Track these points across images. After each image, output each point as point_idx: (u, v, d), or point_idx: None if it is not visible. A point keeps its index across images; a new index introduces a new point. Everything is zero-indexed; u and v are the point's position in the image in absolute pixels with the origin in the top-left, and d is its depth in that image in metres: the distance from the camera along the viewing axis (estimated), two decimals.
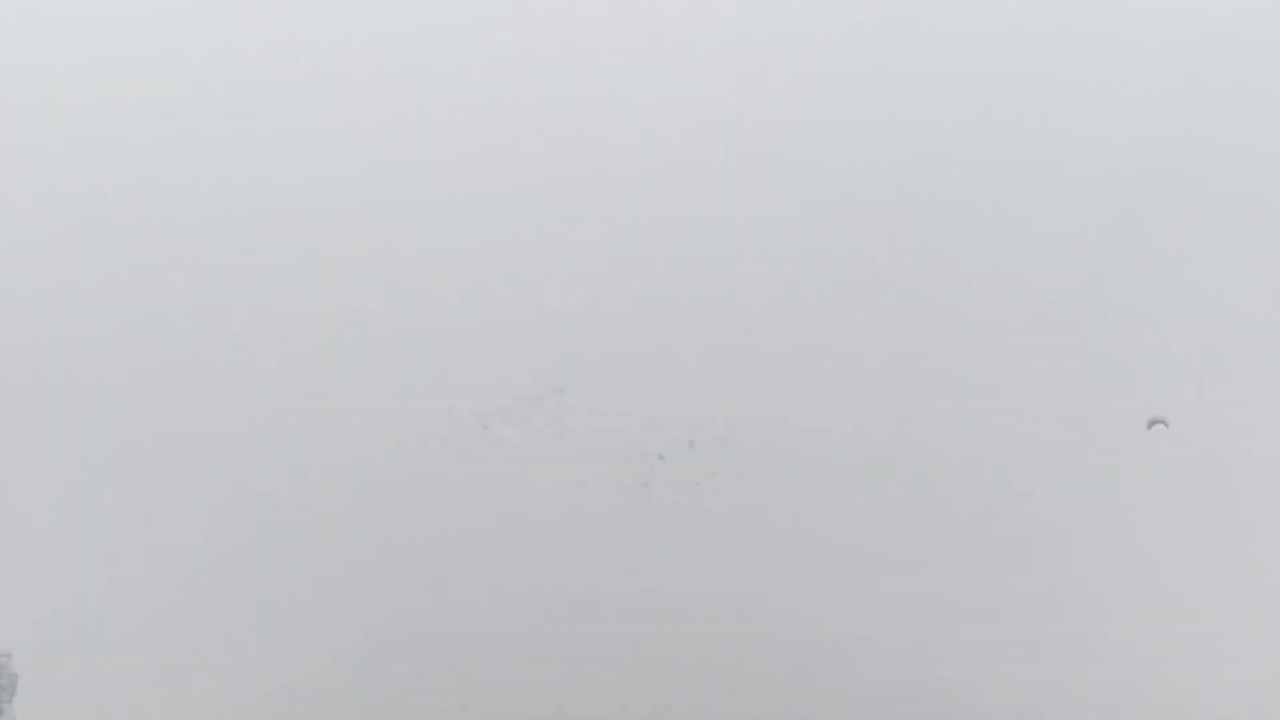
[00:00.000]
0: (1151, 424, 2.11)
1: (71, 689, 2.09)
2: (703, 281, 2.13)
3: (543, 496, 2.13)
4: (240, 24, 2.08)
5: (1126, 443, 2.16)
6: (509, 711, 2.15)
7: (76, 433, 2.11)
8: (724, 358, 2.14)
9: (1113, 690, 2.21)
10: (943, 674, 2.20)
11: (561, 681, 2.14)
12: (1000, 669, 2.20)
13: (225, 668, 2.12)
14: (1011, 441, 2.17)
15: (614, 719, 2.16)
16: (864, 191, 2.13)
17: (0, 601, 2.09)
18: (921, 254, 2.14)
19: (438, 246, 2.12)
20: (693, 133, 2.11)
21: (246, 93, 2.08)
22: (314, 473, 2.11)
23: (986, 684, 2.21)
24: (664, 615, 2.16)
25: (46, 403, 2.10)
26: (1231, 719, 2.20)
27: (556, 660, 2.14)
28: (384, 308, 2.11)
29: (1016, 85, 2.13)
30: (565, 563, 2.14)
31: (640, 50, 2.09)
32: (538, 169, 2.11)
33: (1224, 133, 2.15)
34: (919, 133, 2.13)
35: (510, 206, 2.12)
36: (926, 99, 2.12)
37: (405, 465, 2.13)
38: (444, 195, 2.11)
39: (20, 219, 2.08)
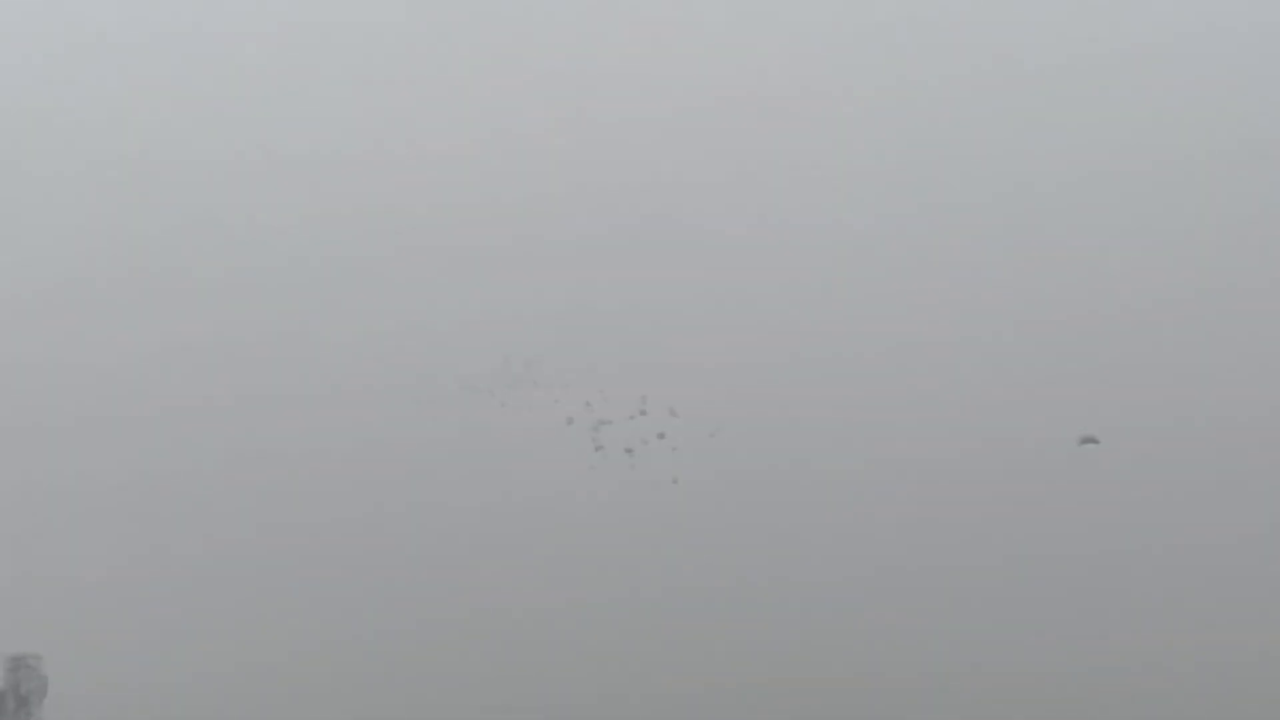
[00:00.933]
0: (1083, 441, 2.18)
1: (101, 691, 2.17)
2: (657, 263, 2.21)
3: (515, 452, 2.23)
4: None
5: (1068, 455, 2.22)
6: (472, 654, 2.23)
7: (99, 439, 2.19)
8: (677, 334, 2.23)
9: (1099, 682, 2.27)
10: (891, 635, 2.27)
11: (519, 624, 2.22)
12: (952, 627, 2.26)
13: (255, 671, 2.19)
14: (961, 430, 2.23)
15: (566, 660, 2.24)
16: (818, 171, 2.18)
17: (31, 605, 2.17)
18: (871, 234, 2.20)
19: (427, 246, 2.21)
20: (641, 119, 2.17)
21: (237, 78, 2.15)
22: (324, 445, 2.18)
23: (944, 642, 2.28)
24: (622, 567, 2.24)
25: (73, 410, 2.18)
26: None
27: (513, 604, 2.22)
28: (380, 292, 2.20)
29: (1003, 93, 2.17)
30: (532, 511, 2.23)
31: (602, 45, 2.15)
32: (516, 173, 2.19)
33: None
34: (887, 125, 2.17)
35: (490, 212, 2.21)
36: (910, 94, 2.16)
37: (394, 426, 2.22)
38: (430, 197, 2.20)
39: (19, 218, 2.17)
